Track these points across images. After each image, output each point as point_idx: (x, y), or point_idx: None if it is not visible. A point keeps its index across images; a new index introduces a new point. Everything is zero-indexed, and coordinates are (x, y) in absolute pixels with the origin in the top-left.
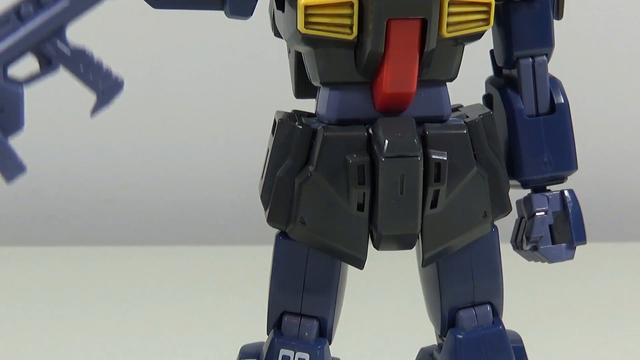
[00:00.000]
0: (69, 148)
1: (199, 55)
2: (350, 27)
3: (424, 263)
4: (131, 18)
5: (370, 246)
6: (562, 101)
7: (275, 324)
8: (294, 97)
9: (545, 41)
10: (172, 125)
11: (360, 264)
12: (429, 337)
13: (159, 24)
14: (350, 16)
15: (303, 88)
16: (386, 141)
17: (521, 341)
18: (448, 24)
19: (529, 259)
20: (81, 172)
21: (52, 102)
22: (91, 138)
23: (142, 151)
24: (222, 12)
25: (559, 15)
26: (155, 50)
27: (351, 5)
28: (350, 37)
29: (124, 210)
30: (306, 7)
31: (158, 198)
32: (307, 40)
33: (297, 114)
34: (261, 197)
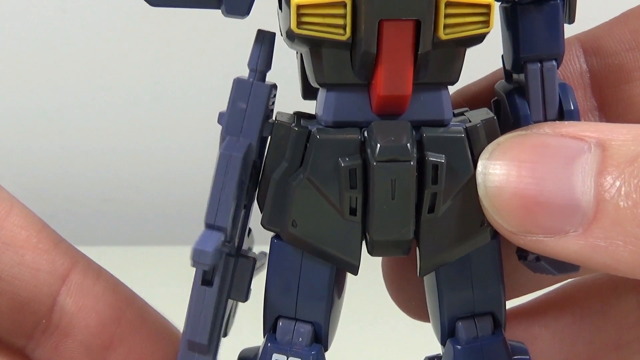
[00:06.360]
0: (69, 148)
1: (200, 56)
2: (344, 27)
3: (421, 272)
4: (132, 20)
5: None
6: (572, 108)
7: (271, 328)
8: (302, 98)
9: (554, 45)
10: (172, 125)
11: (354, 269)
12: (433, 345)
13: (161, 25)
14: (344, 16)
15: (310, 89)
16: (378, 145)
17: (528, 353)
18: (445, 26)
19: (534, 270)
20: (81, 172)
21: (53, 103)
22: (91, 139)
23: (141, 151)
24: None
25: (570, 19)
26: (156, 52)
27: (344, 5)
28: (344, 38)
29: (124, 210)
30: (299, 7)
31: (158, 198)
32: (301, 40)
33: (298, 116)
34: (257, 199)
